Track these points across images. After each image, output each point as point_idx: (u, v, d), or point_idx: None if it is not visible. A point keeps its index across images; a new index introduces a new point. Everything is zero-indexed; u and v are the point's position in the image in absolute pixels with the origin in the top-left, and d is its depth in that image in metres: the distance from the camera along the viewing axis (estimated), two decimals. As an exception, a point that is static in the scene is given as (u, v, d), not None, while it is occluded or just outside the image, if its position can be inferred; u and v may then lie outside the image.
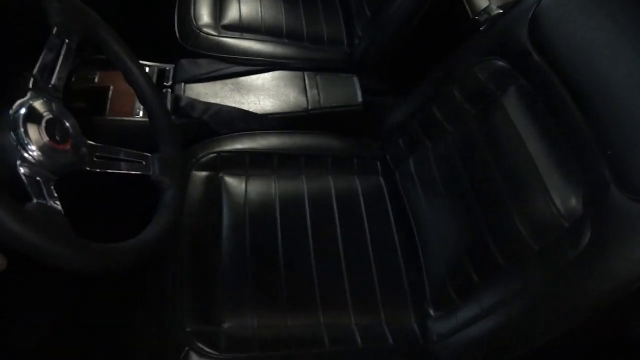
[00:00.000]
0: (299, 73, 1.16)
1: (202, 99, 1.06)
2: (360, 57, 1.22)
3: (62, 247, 0.48)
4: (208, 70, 1.11)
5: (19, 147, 0.54)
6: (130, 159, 0.68)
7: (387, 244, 0.94)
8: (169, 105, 1.02)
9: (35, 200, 0.51)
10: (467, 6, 1.27)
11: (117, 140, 0.78)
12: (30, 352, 0.98)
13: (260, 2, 1.28)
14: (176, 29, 1.20)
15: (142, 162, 0.69)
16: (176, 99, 1.03)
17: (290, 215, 0.92)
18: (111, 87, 1.05)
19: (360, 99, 1.13)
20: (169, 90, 1.06)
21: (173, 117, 1.03)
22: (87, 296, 0.90)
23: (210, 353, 0.75)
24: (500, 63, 0.81)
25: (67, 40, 0.63)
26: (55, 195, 0.54)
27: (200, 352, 0.75)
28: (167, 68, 1.11)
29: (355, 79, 1.17)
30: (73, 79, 1.00)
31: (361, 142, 1.08)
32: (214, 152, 0.97)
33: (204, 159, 0.96)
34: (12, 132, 0.55)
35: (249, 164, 0.98)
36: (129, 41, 1.14)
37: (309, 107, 1.10)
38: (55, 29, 0.62)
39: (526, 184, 0.74)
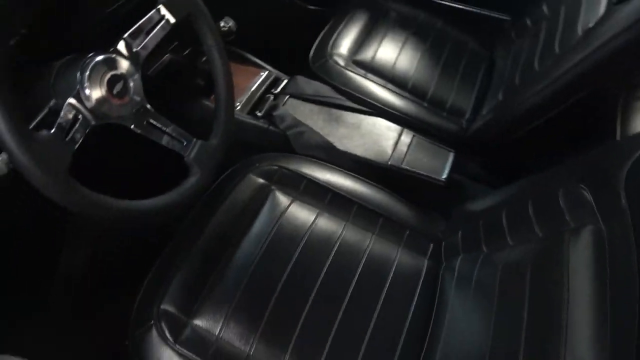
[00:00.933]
0: (398, 127, 1.13)
1: (296, 115, 1.10)
2: (473, 135, 1.14)
3: (48, 176, 0.54)
4: (316, 93, 1.15)
5: (78, 86, 0.63)
6: (174, 135, 0.73)
7: (394, 324, 0.86)
8: (263, 110, 1.08)
9: (53, 131, 0.58)
10: (618, 124, 1.11)
11: (197, 120, 0.84)
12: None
13: (401, 51, 1.28)
14: (313, 48, 1.26)
15: (183, 143, 0.74)
16: (272, 106, 1.09)
17: (311, 253, 0.90)
18: (228, 78, 1.15)
19: (444, 175, 1.05)
20: (271, 96, 1.12)
21: (261, 121, 1.09)
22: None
23: (167, 339, 0.77)
24: (586, 195, 0.69)
25: (166, 18, 0.71)
26: (79, 138, 0.61)
27: (160, 333, 0.77)
28: (283, 78, 1.17)
29: (451, 156, 1.09)
30: (204, 59, 1.12)
31: (424, 217, 1.01)
32: (277, 166, 0.99)
33: (265, 168, 0.99)
34: (79, 72, 0.63)
35: (303, 189, 0.98)
36: (269, 42, 1.24)
37: (389, 162, 1.06)
38: (160, 5, 0.71)
39: (547, 345, 0.61)
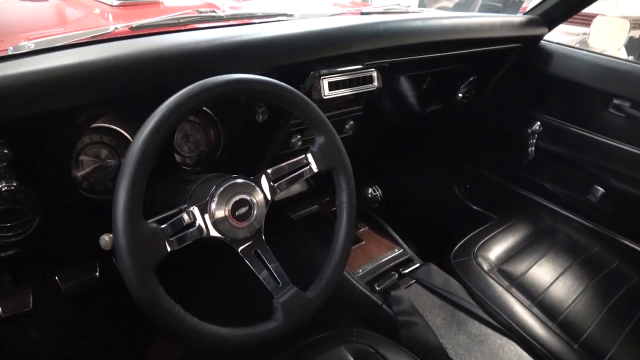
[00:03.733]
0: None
1: (415, 303, 1.00)
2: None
3: (133, 263, 0.56)
4: (445, 288, 1.05)
5: (208, 198, 0.68)
6: (274, 274, 0.72)
7: None
8: (382, 285, 1.02)
9: (163, 226, 0.61)
10: None
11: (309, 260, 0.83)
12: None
13: (560, 276, 1.12)
14: (460, 243, 1.19)
15: (278, 284, 0.71)
16: (394, 285, 1.02)
17: None
18: (362, 242, 1.14)
19: None
20: (396, 274, 1.06)
21: (376, 296, 1.02)
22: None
23: None
24: None
25: (310, 166, 0.75)
26: (185, 242, 0.63)
27: None
28: (415, 261, 1.11)
29: None
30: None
31: None
32: (373, 349, 0.88)
33: (360, 346, 0.89)
34: (215, 187, 0.69)
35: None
36: (416, 222, 1.23)
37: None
38: (309, 155, 0.76)
39: None
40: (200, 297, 0.76)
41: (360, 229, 1.21)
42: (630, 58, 3.62)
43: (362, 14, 1.19)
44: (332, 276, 0.76)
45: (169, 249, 0.61)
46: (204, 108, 0.95)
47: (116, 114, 0.81)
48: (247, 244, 0.71)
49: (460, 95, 1.49)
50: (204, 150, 0.98)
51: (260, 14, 1.06)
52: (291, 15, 1.09)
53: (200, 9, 0.99)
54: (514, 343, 0.97)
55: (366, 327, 0.95)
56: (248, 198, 0.70)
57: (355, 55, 0.97)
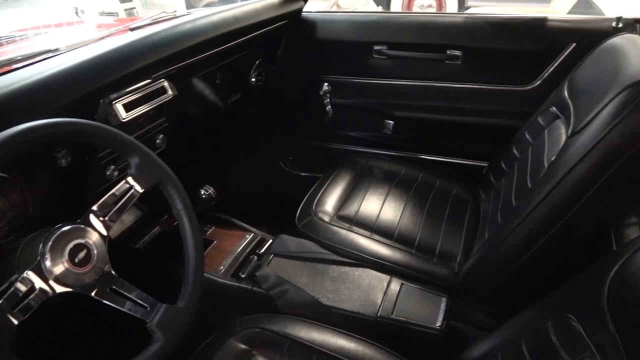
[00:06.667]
0: (386, 276, 1.10)
1: (281, 274, 1.08)
2: (466, 277, 1.10)
3: None
4: (301, 250, 1.15)
5: (39, 257, 0.64)
6: (138, 300, 0.72)
7: None
8: (246, 271, 1.08)
9: None
10: (613, 238, 1.06)
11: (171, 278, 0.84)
12: None
13: (384, 202, 1.32)
14: (299, 208, 1.31)
15: (146, 308, 0.72)
16: (256, 267, 1.09)
17: None
18: (214, 242, 1.18)
19: (438, 323, 0.98)
20: (255, 257, 1.12)
21: (245, 282, 1.07)
22: None
23: None
24: (575, 325, 0.63)
25: (134, 188, 0.76)
26: (31, 309, 0.60)
27: None
28: (268, 239, 1.19)
29: (444, 301, 1.03)
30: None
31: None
32: (259, 328, 0.94)
33: (246, 331, 0.94)
34: (42, 244, 0.65)
35: (286, 351, 0.91)
36: (256, 205, 1.28)
37: (378, 314, 1.01)
38: (129, 178, 0.76)
39: None
40: (76, 352, 0.72)
41: (208, 230, 1.24)
42: (380, 9, 4.20)
43: (131, 29, 1.18)
44: (195, 280, 0.79)
45: (16, 322, 0.58)
46: None
47: None
48: (98, 286, 0.69)
49: (253, 80, 1.59)
50: (13, 216, 0.90)
51: (20, 57, 0.98)
52: (56, 50, 1.03)
53: (-56, 69, 0.89)
54: (368, 269, 1.13)
55: (248, 314, 1.00)
56: (83, 241, 0.69)
57: (140, 71, 0.98)
